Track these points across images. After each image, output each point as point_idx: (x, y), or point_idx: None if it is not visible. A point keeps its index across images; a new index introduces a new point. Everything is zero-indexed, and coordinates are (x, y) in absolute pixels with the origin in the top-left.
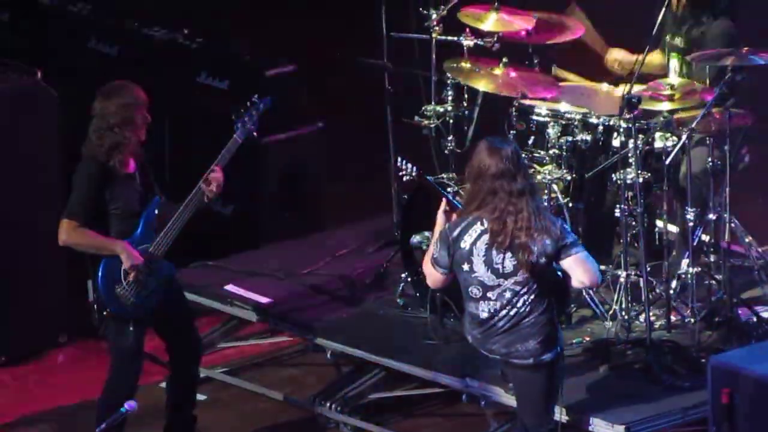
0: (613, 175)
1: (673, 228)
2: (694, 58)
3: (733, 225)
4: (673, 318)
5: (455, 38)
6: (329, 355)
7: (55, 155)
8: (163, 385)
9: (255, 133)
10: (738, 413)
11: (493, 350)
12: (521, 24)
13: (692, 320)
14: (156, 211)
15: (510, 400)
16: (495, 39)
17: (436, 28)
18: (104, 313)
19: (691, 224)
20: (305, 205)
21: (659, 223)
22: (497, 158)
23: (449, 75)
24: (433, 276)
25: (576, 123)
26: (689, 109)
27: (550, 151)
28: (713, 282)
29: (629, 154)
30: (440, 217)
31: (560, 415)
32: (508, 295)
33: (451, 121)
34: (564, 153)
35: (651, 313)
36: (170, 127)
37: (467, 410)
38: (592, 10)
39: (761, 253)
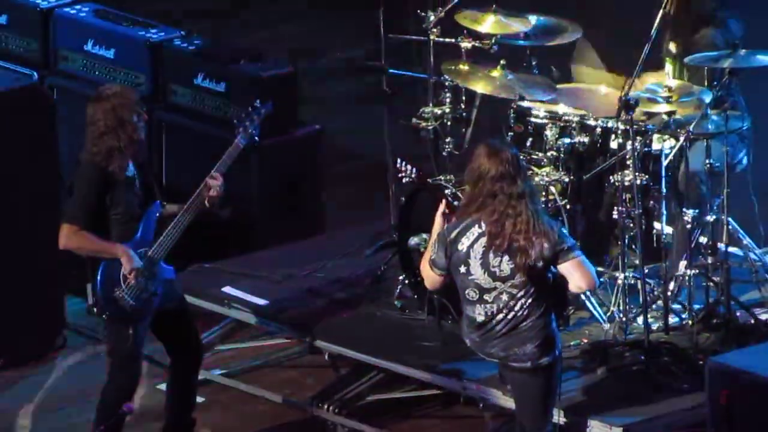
0: (611, 177)
1: (671, 230)
2: (692, 62)
3: (731, 227)
4: (671, 320)
5: (453, 40)
6: (327, 357)
7: (52, 159)
8: (163, 387)
9: (257, 138)
10: (736, 415)
11: (492, 354)
12: (519, 26)
13: (690, 322)
14: (156, 215)
15: (508, 402)
16: (493, 41)
17: (434, 30)
18: (103, 315)
19: (689, 226)
20: (303, 207)
21: (657, 225)
22: (497, 161)
23: (447, 77)
24: (430, 277)
25: (574, 125)
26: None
27: (548, 153)
28: (711, 284)
29: (627, 156)
30: (439, 218)
31: (558, 417)
32: (504, 298)
33: (449, 123)
34: (562, 155)
35: (649, 315)
36: (167, 130)
37: (465, 412)
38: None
39: (759, 255)
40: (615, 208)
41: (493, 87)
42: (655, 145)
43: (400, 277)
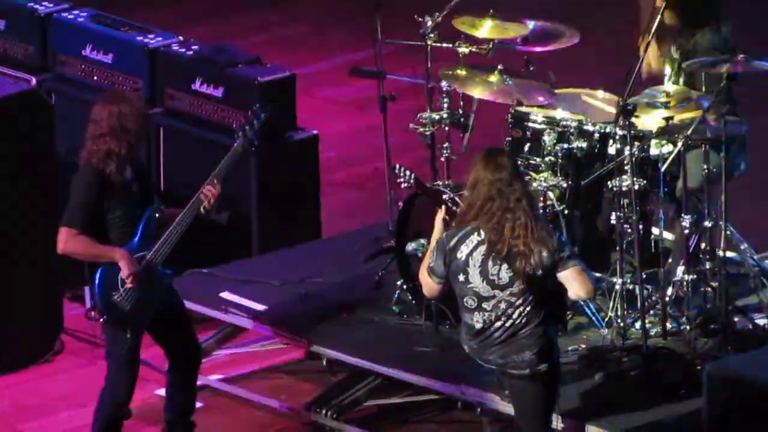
0: (609, 183)
1: (669, 235)
2: (689, 66)
3: (729, 232)
4: (668, 325)
5: (450, 45)
6: (325, 362)
7: (51, 163)
8: (161, 391)
9: (256, 143)
10: (734, 421)
11: (490, 361)
12: (517, 31)
13: (688, 327)
14: (155, 218)
15: (506, 408)
16: (490, 46)
17: (431, 35)
18: (101, 320)
19: (687, 231)
20: (301, 212)
21: (655, 231)
22: (493, 167)
23: (445, 82)
24: (429, 285)
25: (572, 130)
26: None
27: (546, 159)
28: (709, 289)
29: (625, 162)
30: (439, 224)
31: (556, 423)
32: (503, 306)
33: (446, 128)
34: (560, 160)
35: (647, 321)
36: (165, 135)
37: (463, 417)
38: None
39: (757, 261)
40: (613, 213)
41: (490, 92)
42: (653, 151)
43: (398, 283)
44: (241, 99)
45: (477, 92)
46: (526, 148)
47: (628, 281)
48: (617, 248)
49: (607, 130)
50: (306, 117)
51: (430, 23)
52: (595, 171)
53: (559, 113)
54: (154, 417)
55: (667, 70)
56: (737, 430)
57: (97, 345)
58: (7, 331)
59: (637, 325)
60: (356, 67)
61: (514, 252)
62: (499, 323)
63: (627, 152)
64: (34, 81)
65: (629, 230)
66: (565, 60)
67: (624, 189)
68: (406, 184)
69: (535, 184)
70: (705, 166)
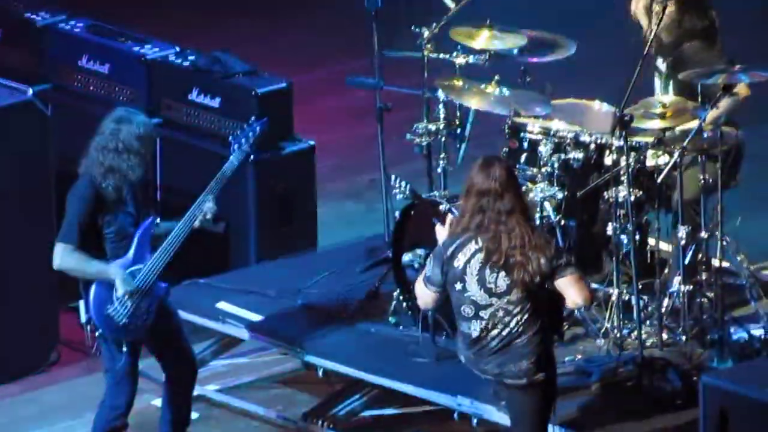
0: (605, 193)
1: (665, 246)
2: (684, 77)
3: (725, 243)
4: (665, 336)
5: (447, 56)
6: (321, 372)
7: (47, 174)
8: (158, 402)
9: (251, 156)
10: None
11: (486, 370)
12: (514, 42)
13: (684, 338)
14: (151, 231)
15: (502, 419)
16: (487, 57)
17: (428, 45)
18: (97, 333)
19: (683, 242)
20: (297, 222)
21: (651, 241)
22: (485, 176)
23: (441, 92)
24: (424, 296)
25: (568, 141)
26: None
27: (543, 169)
28: (705, 300)
29: (621, 172)
30: (441, 239)
31: None
32: (500, 314)
33: (443, 139)
34: (556, 171)
35: (643, 331)
36: (161, 145)
37: (459, 428)
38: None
39: (753, 271)
40: (609, 224)
41: (487, 102)
42: (650, 162)
43: (394, 293)
44: (237, 109)
45: (474, 103)
46: (523, 158)
47: (625, 292)
48: (613, 259)
49: (604, 140)
50: (303, 127)
51: (426, 34)
52: (591, 182)
53: (555, 124)
54: (151, 428)
55: (656, 82)
56: None
57: (93, 355)
58: (4, 342)
59: (633, 335)
60: (352, 77)
61: (511, 262)
62: (495, 331)
63: (623, 163)
64: (30, 91)
65: (625, 241)
66: (562, 70)
67: (620, 200)
68: (402, 195)
69: (531, 195)
70: (701, 177)
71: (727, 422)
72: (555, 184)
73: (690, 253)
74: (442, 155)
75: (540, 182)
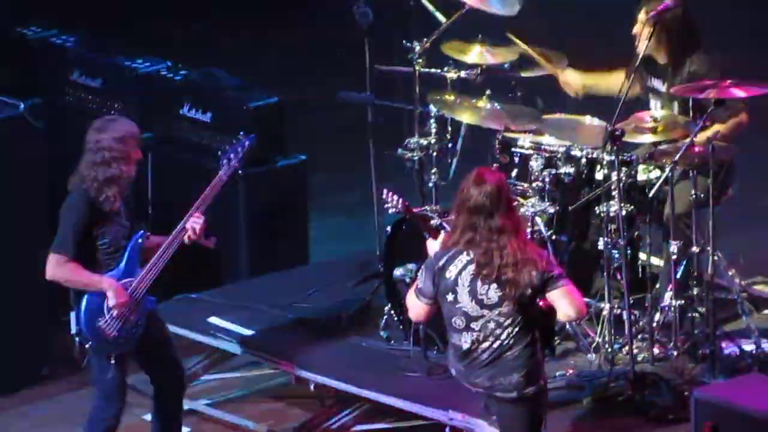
0: (596, 208)
1: (656, 261)
2: (677, 92)
3: (716, 258)
4: (656, 350)
5: (438, 71)
6: (312, 387)
7: (39, 188)
8: (148, 417)
9: (239, 171)
10: None
11: (477, 383)
12: (505, 57)
13: (675, 353)
14: (140, 244)
15: None
16: (478, 71)
17: (420, 60)
18: (86, 346)
19: (674, 257)
20: (289, 236)
21: (643, 256)
22: (477, 191)
23: (433, 107)
24: (416, 309)
25: (559, 155)
26: (671, 142)
27: (534, 184)
28: (696, 315)
29: (612, 187)
30: (432, 247)
31: None
32: (491, 326)
33: (434, 153)
34: (547, 185)
35: (634, 346)
36: (153, 159)
37: None
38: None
39: (744, 286)
40: (600, 238)
41: (478, 117)
42: (641, 176)
43: (386, 308)
44: (229, 124)
45: (465, 117)
46: (514, 173)
47: (616, 306)
48: (605, 273)
49: (595, 155)
50: (294, 142)
51: (418, 48)
52: (582, 196)
53: (546, 139)
54: None
55: (653, 102)
56: None
57: (84, 369)
58: None
59: (625, 350)
60: (344, 92)
61: (503, 279)
62: (486, 344)
63: (614, 177)
64: (22, 106)
65: (617, 255)
66: (552, 85)
67: (611, 214)
68: (393, 210)
69: (522, 210)
70: (693, 192)
71: None
72: (546, 199)
73: (681, 267)
74: (434, 170)
75: (531, 197)
